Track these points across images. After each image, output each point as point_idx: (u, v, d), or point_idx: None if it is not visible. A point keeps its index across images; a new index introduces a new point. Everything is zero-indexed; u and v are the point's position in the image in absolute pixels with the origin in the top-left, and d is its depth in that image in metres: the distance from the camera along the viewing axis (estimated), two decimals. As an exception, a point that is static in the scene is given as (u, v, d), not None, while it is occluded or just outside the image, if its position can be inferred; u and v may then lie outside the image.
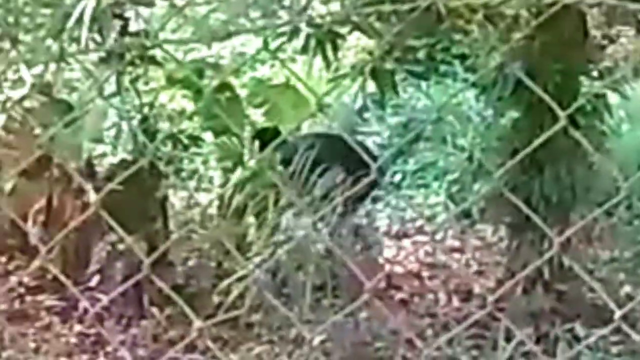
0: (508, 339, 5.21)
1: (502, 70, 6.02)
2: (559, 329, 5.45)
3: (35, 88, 5.67)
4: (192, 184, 6.40)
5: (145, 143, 5.71)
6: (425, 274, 6.52)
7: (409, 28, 6.05)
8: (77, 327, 5.52)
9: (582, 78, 5.89)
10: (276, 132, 6.22)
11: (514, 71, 5.33)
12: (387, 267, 6.49)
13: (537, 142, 2.30)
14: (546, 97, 2.30)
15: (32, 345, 5.40)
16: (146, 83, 5.90)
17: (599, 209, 6.49)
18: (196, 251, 6.10)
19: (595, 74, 6.23)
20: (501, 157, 5.78)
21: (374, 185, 6.36)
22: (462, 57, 7.63)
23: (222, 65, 6.54)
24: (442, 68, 7.92)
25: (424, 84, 7.85)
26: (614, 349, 5.24)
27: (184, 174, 6.32)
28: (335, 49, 5.57)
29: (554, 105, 2.29)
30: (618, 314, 2.30)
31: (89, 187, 5.52)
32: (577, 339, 5.24)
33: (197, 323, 2.37)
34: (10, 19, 5.54)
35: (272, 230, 5.60)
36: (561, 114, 2.33)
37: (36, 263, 5.57)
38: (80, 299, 5.40)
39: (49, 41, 5.22)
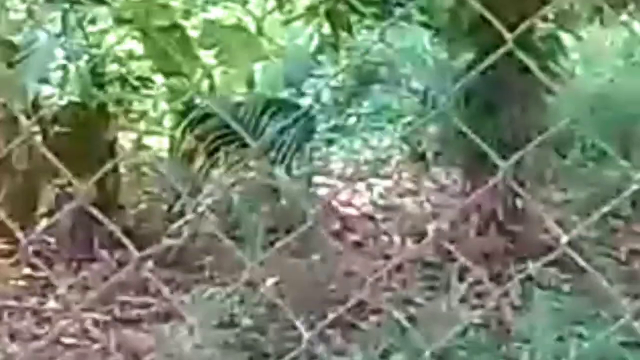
0: (461, 280, 5.21)
1: (456, 11, 5.96)
2: (511, 269, 5.46)
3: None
4: (141, 126, 6.30)
5: (92, 85, 5.60)
6: (379, 216, 6.50)
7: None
8: (26, 270, 5.44)
9: (537, 20, 5.83)
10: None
11: None
12: (341, 209, 6.46)
13: (481, 66, 2.24)
14: (490, 17, 2.24)
15: (-21, 288, 5.32)
16: (93, 22, 5.76)
17: (552, 150, 6.50)
18: (147, 194, 6.02)
19: (550, 15, 6.18)
20: (455, 98, 5.74)
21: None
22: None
23: (172, 6, 6.40)
24: (397, 10, 7.82)
25: (378, 26, 7.76)
26: (566, 287, 5.27)
27: (133, 116, 6.21)
28: (289, -12, 5.48)
29: (500, 27, 2.22)
30: (564, 239, 2.26)
31: (35, 129, 5.40)
32: (530, 279, 5.26)
33: (136, 254, 2.31)
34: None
35: (223, 172, 5.55)
36: (508, 35, 2.27)
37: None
38: (28, 242, 5.31)
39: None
